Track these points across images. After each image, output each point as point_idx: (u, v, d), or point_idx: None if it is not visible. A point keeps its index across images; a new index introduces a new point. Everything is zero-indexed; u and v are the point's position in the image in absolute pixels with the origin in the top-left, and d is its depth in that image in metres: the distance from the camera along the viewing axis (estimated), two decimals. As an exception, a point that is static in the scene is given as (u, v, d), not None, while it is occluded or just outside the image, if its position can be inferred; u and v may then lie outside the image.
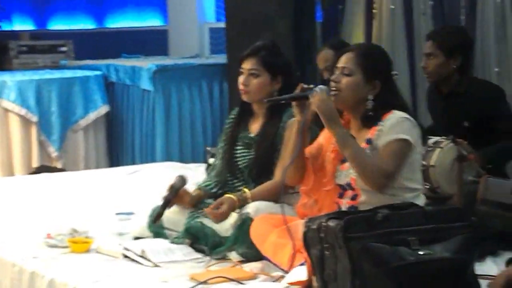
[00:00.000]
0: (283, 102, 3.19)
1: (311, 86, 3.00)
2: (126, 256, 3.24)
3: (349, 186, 2.96)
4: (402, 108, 2.98)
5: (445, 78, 4.05)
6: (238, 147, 3.51)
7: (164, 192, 3.45)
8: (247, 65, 3.45)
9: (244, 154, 3.48)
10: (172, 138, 6.35)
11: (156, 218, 3.41)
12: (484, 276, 2.72)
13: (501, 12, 4.87)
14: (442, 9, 5.26)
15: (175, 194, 3.42)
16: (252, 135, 3.49)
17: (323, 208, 3.03)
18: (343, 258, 2.43)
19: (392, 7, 5.61)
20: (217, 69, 6.65)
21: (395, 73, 3.08)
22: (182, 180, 3.46)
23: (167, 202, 3.41)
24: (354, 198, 2.94)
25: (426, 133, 3.13)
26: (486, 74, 4.95)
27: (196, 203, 3.46)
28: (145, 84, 6.37)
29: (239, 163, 3.48)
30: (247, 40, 3.78)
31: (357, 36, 5.82)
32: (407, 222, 2.51)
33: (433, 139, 3.78)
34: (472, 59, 4.20)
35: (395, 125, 2.90)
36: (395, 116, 2.92)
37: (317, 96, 2.94)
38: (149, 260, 3.16)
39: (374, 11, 5.79)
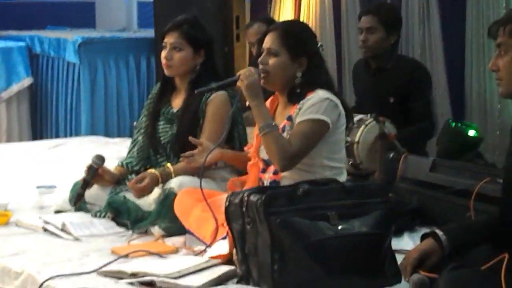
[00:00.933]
0: (212, 90, 3.20)
1: (239, 73, 3.00)
2: (46, 230, 3.19)
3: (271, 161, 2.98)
4: (327, 86, 3.01)
5: (379, 54, 4.13)
6: (160, 122, 3.48)
7: (84, 169, 3.41)
8: (169, 39, 3.42)
9: (166, 129, 3.45)
10: (98, 112, 6.27)
11: (76, 200, 3.38)
12: (401, 251, 2.79)
13: (426, -6, 4.96)
14: (369, -12, 5.31)
15: (94, 175, 3.38)
16: (174, 110, 3.46)
17: (247, 184, 3.06)
18: (264, 232, 2.45)
19: (320, -15, 5.65)
20: (145, 43, 6.58)
21: (320, 44, 3.10)
22: (100, 159, 3.41)
23: (86, 184, 3.37)
24: (276, 173, 2.97)
25: (351, 110, 3.17)
26: (409, 53, 5.04)
27: (118, 180, 3.43)
28: (70, 56, 6.26)
29: (161, 138, 3.45)
30: (175, 15, 3.75)
31: (286, 14, 5.85)
32: (327, 197, 2.54)
33: (358, 117, 3.85)
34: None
35: (314, 104, 2.92)
36: (317, 95, 2.94)
37: (245, 69, 2.96)
38: (69, 234, 3.13)
39: (302, -11, 5.83)
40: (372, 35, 4.11)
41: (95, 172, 3.38)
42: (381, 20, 4.10)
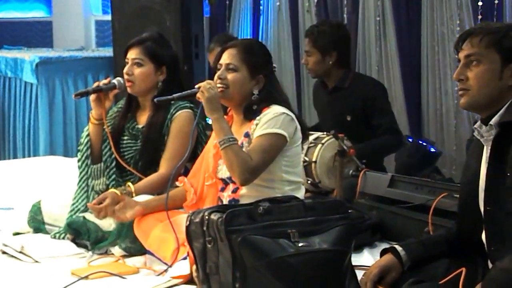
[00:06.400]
0: (172, 101, 3.18)
1: (199, 85, 3.00)
2: (4, 252, 3.15)
3: (230, 179, 3.00)
4: (283, 102, 3.04)
5: (327, 74, 4.16)
6: (124, 138, 3.47)
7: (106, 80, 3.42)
8: (131, 54, 3.43)
9: (130, 144, 3.45)
10: (56, 132, 6.21)
11: (80, 94, 3.37)
12: (361, 267, 2.81)
13: (381, 12, 5.03)
14: (326, 7, 5.38)
15: (109, 89, 3.38)
16: (139, 126, 3.46)
17: (206, 203, 3.06)
18: (225, 251, 2.45)
19: (278, 3, 5.70)
20: (103, 62, 6.55)
21: (274, 66, 3.14)
22: (122, 88, 3.41)
23: (99, 90, 3.37)
24: (235, 191, 2.99)
25: (306, 126, 3.19)
26: (367, 71, 5.11)
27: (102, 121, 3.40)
28: (28, 76, 6.20)
29: (125, 153, 3.44)
30: (133, 33, 3.75)
31: (244, 32, 5.89)
32: (288, 215, 2.55)
33: (314, 135, 3.87)
34: (349, 53, 4.28)
35: (271, 119, 2.95)
36: (272, 110, 2.98)
37: (204, 82, 2.96)
38: (28, 256, 3.09)
39: (260, 7, 5.88)
40: (309, 58, 4.16)
41: (112, 88, 3.38)
42: (314, 44, 4.13)
